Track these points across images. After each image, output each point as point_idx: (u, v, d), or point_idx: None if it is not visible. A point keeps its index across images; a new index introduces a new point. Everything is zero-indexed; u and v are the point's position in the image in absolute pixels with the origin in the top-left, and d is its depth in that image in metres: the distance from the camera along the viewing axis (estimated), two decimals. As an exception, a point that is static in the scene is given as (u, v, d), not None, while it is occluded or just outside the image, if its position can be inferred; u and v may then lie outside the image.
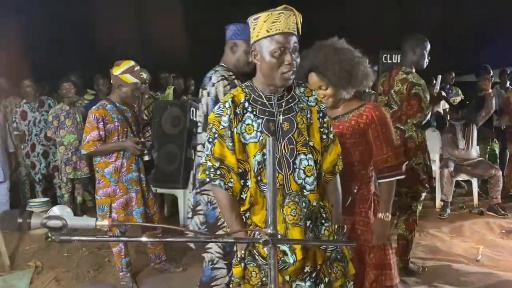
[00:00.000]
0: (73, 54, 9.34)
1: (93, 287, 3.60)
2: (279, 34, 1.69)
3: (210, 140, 1.78)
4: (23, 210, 1.08)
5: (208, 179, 1.78)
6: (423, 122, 3.42)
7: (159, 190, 4.96)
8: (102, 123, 3.31)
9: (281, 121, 1.78)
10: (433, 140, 5.63)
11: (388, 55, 6.62)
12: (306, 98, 1.87)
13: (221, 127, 1.76)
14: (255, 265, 1.77)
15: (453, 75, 6.90)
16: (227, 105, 1.77)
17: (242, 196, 1.80)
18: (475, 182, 5.43)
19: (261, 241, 1.21)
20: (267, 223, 1.29)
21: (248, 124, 1.77)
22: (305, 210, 1.77)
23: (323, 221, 1.85)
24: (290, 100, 1.82)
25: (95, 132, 3.29)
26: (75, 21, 10.05)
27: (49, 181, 5.69)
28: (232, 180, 1.76)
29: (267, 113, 1.78)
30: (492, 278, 3.46)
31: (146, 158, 3.52)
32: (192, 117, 5.06)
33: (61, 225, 1.07)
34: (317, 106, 1.88)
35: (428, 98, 3.34)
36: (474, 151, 5.41)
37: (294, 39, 1.73)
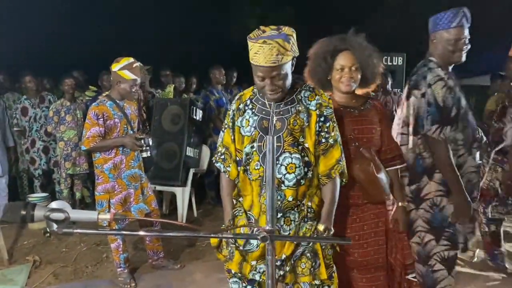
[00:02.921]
0: (76, 50, 9.35)
1: (91, 283, 3.62)
2: (258, 66, 1.85)
3: (223, 129, 2.10)
4: (27, 202, 1.10)
5: (214, 161, 2.15)
6: None
7: (158, 188, 4.98)
8: (102, 119, 3.33)
9: (274, 121, 1.95)
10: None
11: (388, 58, 6.67)
12: (309, 102, 1.97)
13: (229, 119, 2.06)
14: (225, 240, 2.05)
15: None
16: (234, 101, 2.08)
17: (236, 181, 2.09)
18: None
19: (259, 237, 1.23)
20: (268, 220, 1.31)
21: (246, 119, 2.01)
22: (279, 202, 1.94)
23: (306, 219, 1.99)
24: (289, 103, 1.97)
25: (95, 128, 3.31)
26: (79, 17, 10.07)
27: (48, 176, 5.71)
28: (230, 165, 2.07)
29: (263, 112, 1.98)
30: (487, 281, 3.49)
31: (145, 154, 3.54)
32: (192, 115, 5.08)
33: (63, 217, 1.09)
34: (318, 110, 1.96)
35: None
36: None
37: (273, 70, 1.83)
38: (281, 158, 1.92)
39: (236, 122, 2.03)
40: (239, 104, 2.04)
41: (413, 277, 2.42)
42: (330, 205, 1.98)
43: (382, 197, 2.30)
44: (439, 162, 2.38)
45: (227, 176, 2.10)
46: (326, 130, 1.96)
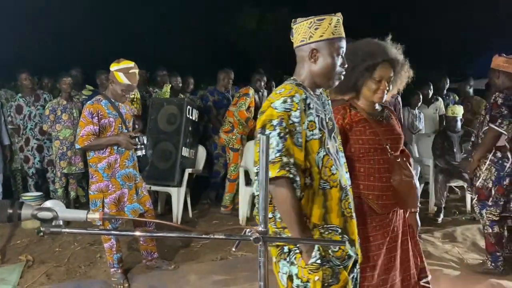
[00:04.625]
0: (74, 49, 9.31)
1: (84, 283, 3.59)
2: (341, 38, 1.80)
3: (282, 135, 1.68)
4: (14, 201, 1.08)
5: (291, 176, 1.67)
6: None
7: (153, 188, 4.95)
8: (96, 118, 3.31)
9: (327, 120, 1.85)
10: (427, 145, 5.63)
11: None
12: (326, 99, 1.95)
13: (290, 122, 1.71)
14: (329, 266, 1.76)
15: (447, 80, 6.91)
16: (295, 99, 1.73)
17: (299, 195, 1.75)
18: (468, 188, 5.45)
19: (251, 238, 1.20)
20: (261, 221, 1.29)
21: (310, 121, 1.76)
22: (352, 203, 1.87)
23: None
24: (326, 102, 1.92)
25: (89, 126, 3.29)
26: (77, 15, 10.04)
27: (42, 175, 5.67)
28: (299, 178, 1.71)
29: (319, 111, 1.82)
30: (483, 284, 3.47)
31: (139, 153, 3.51)
32: (188, 116, 5.06)
33: (51, 216, 1.06)
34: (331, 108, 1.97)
35: None
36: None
37: None
38: (341, 159, 1.86)
39: (303, 125, 1.74)
40: (303, 104, 1.75)
41: (425, 282, 2.40)
42: None
43: (416, 205, 2.31)
44: None
45: (297, 190, 1.72)
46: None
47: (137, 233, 1.26)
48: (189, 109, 5.07)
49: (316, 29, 1.77)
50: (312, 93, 1.83)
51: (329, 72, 1.80)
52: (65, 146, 5.21)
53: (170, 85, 5.95)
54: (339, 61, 1.80)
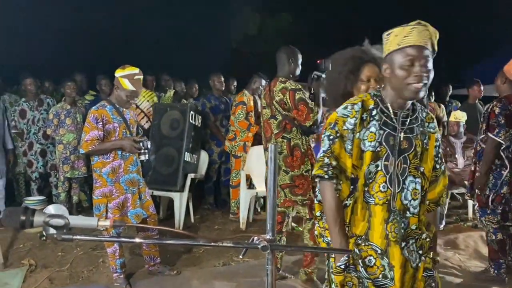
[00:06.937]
0: (77, 54, 9.35)
1: (86, 287, 3.59)
2: (409, 47, 1.69)
3: (332, 137, 1.78)
4: (27, 208, 1.09)
5: (326, 176, 1.76)
6: (314, 124, 3.38)
7: (156, 193, 4.97)
8: (101, 123, 3.34)
9: (401, 138, 1.79)
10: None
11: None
12: (427, 123, 1.88)
13: (344, 127, 1.78)
14: (355, 275, 1.80)
15: (450, 87, 6.94)
16: (355, 107, 1.79)
17: (346, 202, 1.82)
18: (470, 195, 5.44)
19: (259, 246, 1.22)
20: (268, 229, 1.30)
21: (371, 132, 1.78)
22: (402, 231, 1.79)
23: (424, 248, 1.85)
24: (414, 121, 1.83)
25: (94, 132, 3.31)
26: (81, 21, 10.07)
27: (45, 179, 5.68)
28: (341, 182, 1.78)
29: (390, 127, 1.79)
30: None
31: (142, 157, 3.52)
32: (191, 121, 5.08)
33: (63, 224, 1.08)
34: (436, 134, 1.89)
35: (310, 101, 3.36)
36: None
37: (426, 52, 1.71)
38: (407, 182, 1.79)
39: (357, 134, 1.77)
40: (362, 113, 1.78)
41: None
42: (436, 232, 1.94)
43: None
44: None
45: (337, 195, 1.79)
46: (439, 155, 1.90)
47: (145, 241, 1.27)
48: (192, 115, 5.09)
49: (385, 44, 1.77)
50: (389, 107, 1.80)
51: (399, 84, 1.74)
52: (68, 150, 5.24)
53: (174, 91, 5.99)
54: (409, 70, 1.70)
